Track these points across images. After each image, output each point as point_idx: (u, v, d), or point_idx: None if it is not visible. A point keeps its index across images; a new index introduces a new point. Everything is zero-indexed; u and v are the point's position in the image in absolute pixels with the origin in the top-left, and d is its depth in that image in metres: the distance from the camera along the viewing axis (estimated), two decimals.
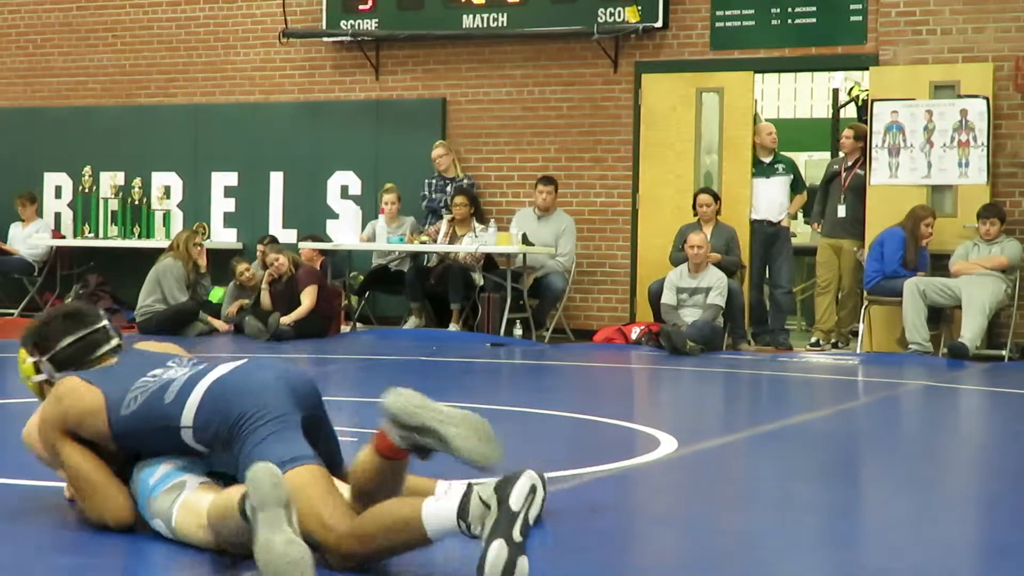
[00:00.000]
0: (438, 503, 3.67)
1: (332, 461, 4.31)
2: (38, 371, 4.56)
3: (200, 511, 3.99)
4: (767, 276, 13.72)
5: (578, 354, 12.49)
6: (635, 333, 13.11)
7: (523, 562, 3.55)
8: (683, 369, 11.13)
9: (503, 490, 3.56)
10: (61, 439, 4.29)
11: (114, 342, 4.54)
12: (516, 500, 3.56)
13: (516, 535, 3.53)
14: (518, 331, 13.30)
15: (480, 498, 3.57)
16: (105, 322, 4.57)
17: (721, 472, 6.19)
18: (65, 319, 4.51)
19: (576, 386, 10.58)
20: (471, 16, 14.41)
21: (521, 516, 3.55)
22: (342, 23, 14.86)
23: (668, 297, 12.82)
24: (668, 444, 6.51)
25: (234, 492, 3.80)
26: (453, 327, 13.57)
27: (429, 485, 4.28)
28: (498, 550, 3.51)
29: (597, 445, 6.76)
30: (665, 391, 10.47)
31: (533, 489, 3.59)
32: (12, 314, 15.64)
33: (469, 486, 3.64)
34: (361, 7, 14.77)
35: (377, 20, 14.74)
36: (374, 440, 3.98)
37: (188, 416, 4.10)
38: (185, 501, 4.07)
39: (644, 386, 10.90)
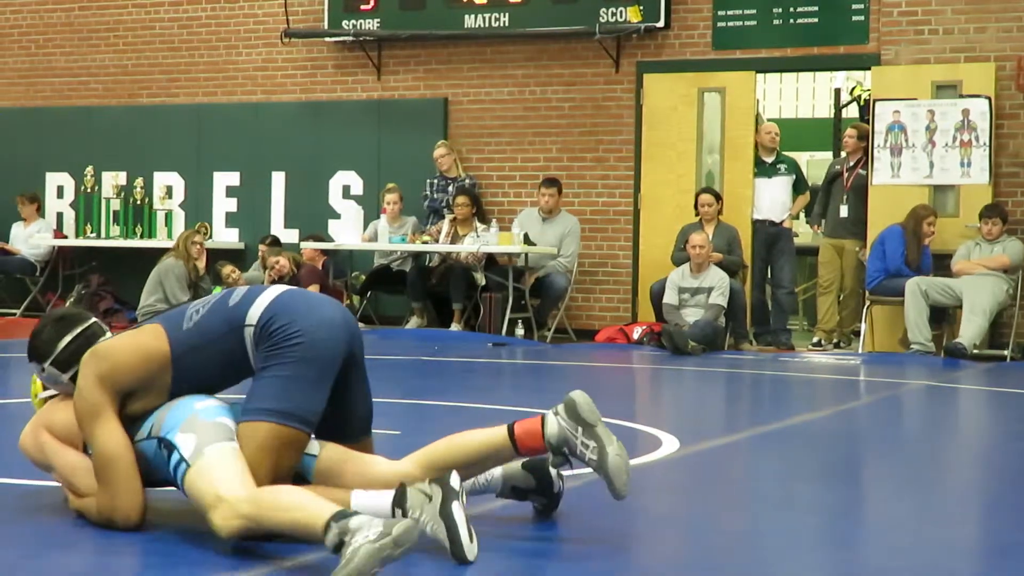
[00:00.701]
0: (367, 495, 3.97)
1: (359, 427, 4.40)
2: (45, 388, 4.63)
3: (230, 474, 3.99)
4: (769, 276, 13.72)
5: (580, 354, 12.50)
6: (637, 333, 13.10)
7: (473, 531, 3.83)
8: (685, 369, 11.13)
9: (441, 479, 3.89)
10: (106, 407, 4.21)
11: (109, 334, 4.57)
12: (454, 482, 3.88)
13: (464, 503, 3.85)
14: (520, 331, 13.30)
15: (419, 489, 3.87)
16: (95, 318, 4.63)
17: (723, 472, 6.19)
18: (56, 323, 4.54)
19: (578, 386, 10.46)
20: (473, 16, 14.42)
21: (462, 494, 3.86)
22: (344, 23, 14.87)
23: (670, 297, 12.82)
24: (670, 444, 6.51)
25: (315, 505, 3.76)
26: (455, 327, 13.57)
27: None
28: (459, 511, 3.81)
29: None
30: (667, 391, 10.46)
31: (462, 485, 3.92)
32: (14, 314, 15.65)
33: (401, 484, 3.96)
34: (363, 7, 14.78)
35: (379, 20, 14.75)
36: (517, 428, 4.22)
37: (255, 314, 4.20)
38: (222, 455, 4.04)
39: (646, 386, 10.90)
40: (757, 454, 6.81)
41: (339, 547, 3.56)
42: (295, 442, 4.11)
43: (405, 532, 3.56)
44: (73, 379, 4.40)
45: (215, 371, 4.29)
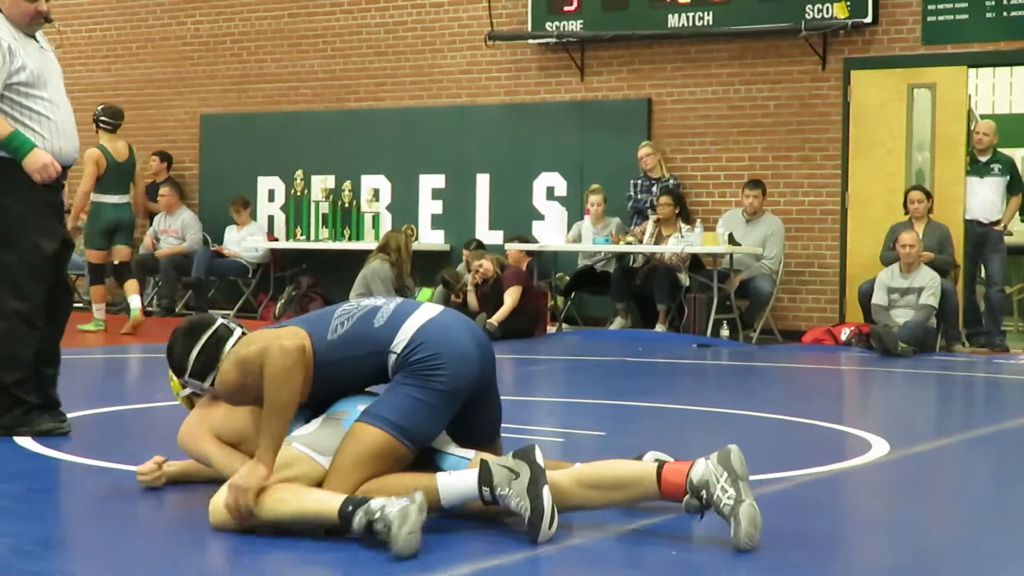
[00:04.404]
0: (452, 476, 4.21)
1: (491, 432, 4.64)
2: (184, 386, 4.90)
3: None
4: (981, 276, 13.38)
5: (786, 355, 12.34)
6: (845, 334, 12.91)
7: (556, 517, 4.09)
8: (894, 371, 10.93)
9: (527, 455, 4.14)
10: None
11: (238, 332, 4.75)
12: (539, 459, 4.14)
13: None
14: (725, 332, 13.20)
15: (504, 466, 4.13)
16: (220, 320, 4.79)
17: (934, 476, 6.06)
18: (184, 336, 4.72)
19: (784, 388, 10.45)
20: (676, 15, 14.35)
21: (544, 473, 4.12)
22: (547, 25, 14.92)
23: (879, 297, 12.60)
24: (879, 447, 6.40)
25: (329, 499, 4.15)
26: (659, 328, 13.52)
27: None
28: (548, 495, 4.07)
29: (806, 447, 6.68)
30: (876, 393, 10.28)
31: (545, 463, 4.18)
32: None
33: (483, 461, 4.19)
34: (566, 8, 14.81)
35: (582, 21, 14.77)
36: (665, 466, 4.26)
37: (400, 343, 4.37)
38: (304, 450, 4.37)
39: (854, 388, 10.73)
40: (970, 459, 6.65)
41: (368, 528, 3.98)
42: (399, 455, 4.31)
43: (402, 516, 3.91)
44: (213, 383, 4.65)
45: (350, 382, 4.49)
